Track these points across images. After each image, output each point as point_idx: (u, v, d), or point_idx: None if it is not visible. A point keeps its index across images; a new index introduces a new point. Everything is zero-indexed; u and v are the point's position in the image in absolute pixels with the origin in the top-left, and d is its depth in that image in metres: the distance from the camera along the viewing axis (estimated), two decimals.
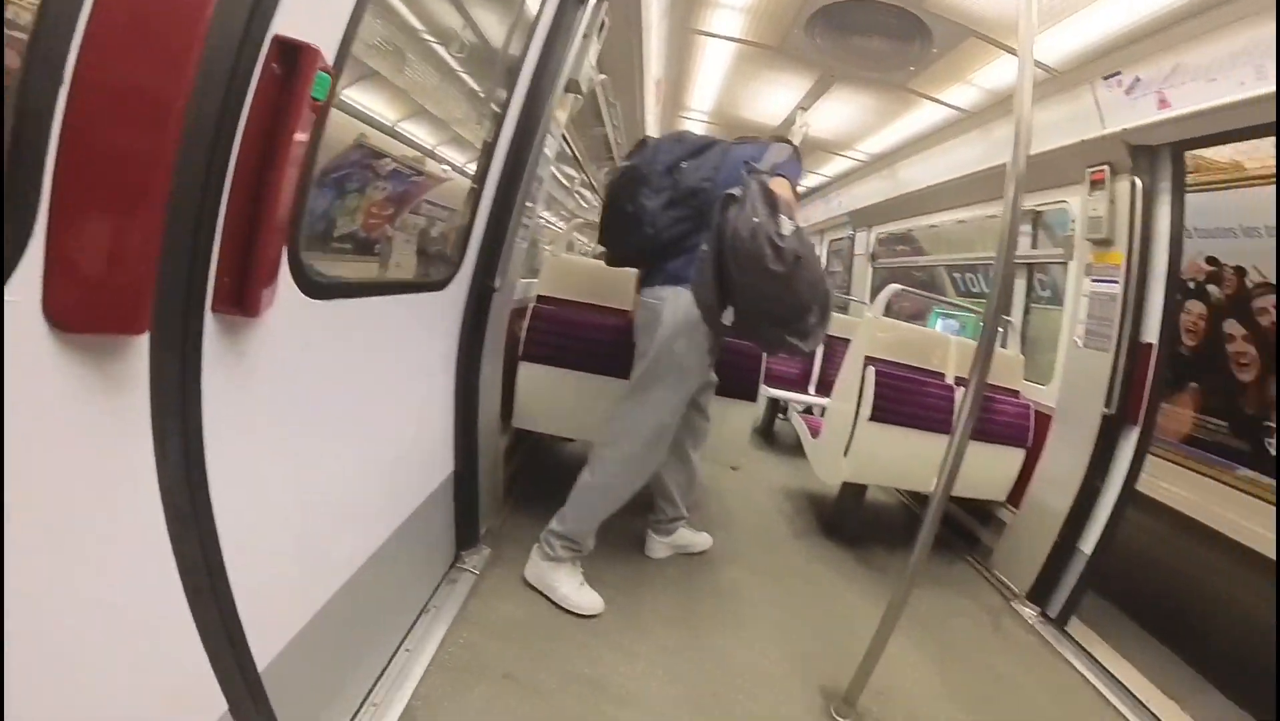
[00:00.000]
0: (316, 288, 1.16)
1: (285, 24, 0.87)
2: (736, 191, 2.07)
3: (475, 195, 2.03)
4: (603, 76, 3.27)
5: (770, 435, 5.80)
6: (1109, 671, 2.84)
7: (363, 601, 1.55)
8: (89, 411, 0.73)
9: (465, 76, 1.91)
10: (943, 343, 3.72)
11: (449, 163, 1.98)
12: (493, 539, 2.56)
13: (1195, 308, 4.69)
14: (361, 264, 1.67)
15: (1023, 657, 2.84)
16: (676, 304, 2.24)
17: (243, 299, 0.91)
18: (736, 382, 2.96)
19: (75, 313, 0.66)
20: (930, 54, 3.50)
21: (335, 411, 1.35)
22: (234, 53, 0.80)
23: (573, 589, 2.26)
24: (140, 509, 0.82)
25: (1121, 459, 3.27)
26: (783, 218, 2.01)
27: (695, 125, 5.98)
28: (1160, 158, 3.16)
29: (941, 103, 4.09)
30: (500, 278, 2.13)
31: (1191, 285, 4.65)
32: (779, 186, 2.08)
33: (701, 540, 2.92)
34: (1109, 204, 3.22)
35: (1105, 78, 3.10)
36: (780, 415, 5.91)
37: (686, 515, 2.81)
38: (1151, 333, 3.27)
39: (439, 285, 1.90)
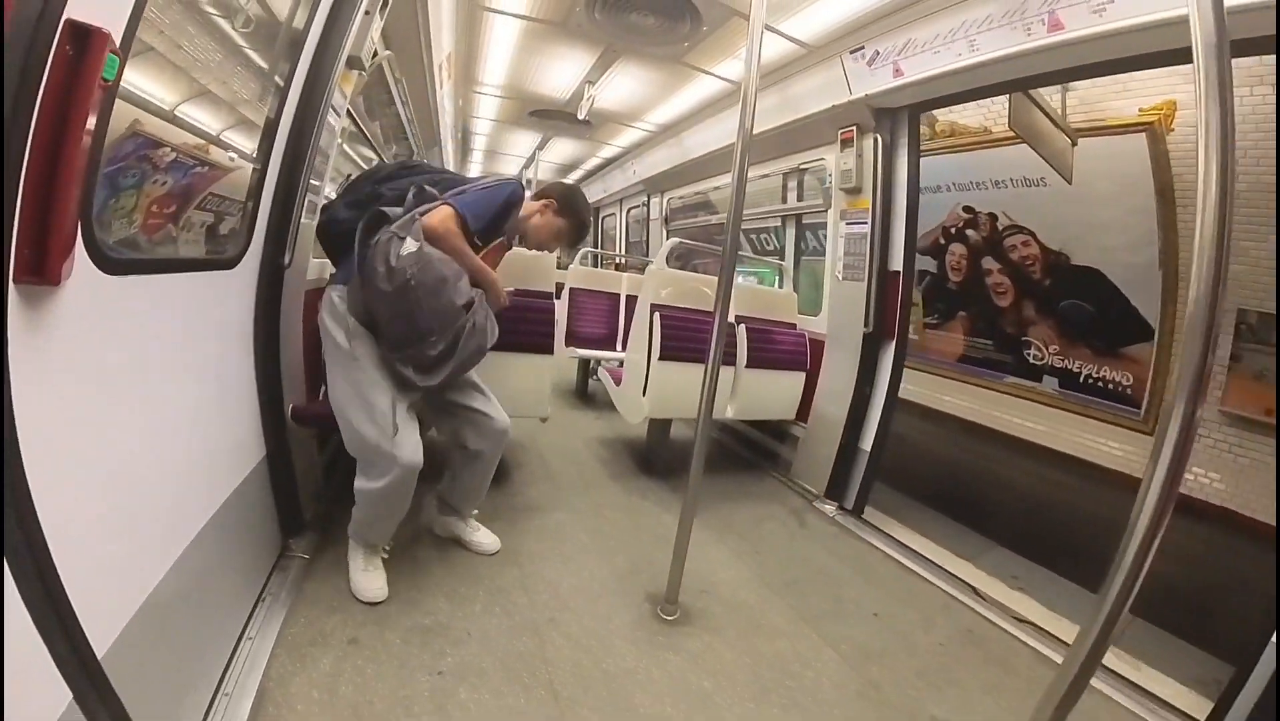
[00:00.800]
0: (111, 263, 1.14)
1: (77, 7, 0.89)
2: (390, 210, 2.09)
3: (261, 173, 1.98)
4: (388, 53, 3.22)
5: (585, 394, 6.10)
6: (905, 545, 3.39)
7: (193, 589, 1.54)
8: None
9: (251, 53, 1.86)
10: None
11: (235, 150, 1.91)
12: (321, 523, 2.54)
13: (958, 249, 5.54)
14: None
15: (826, 544, 3.32)
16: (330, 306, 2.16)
17: (42, 268, 0.91)
18: (531, 337, 3.11)
19: None
20: (701, 31, 3.81)
21: (139, 391, 1.32)
22: (29, 36, 0.82)
23: (356, 571, 2.20)
24: None
25: (884, 369, 3.79)
26: (408, 239, 1.97)
27: (489, 100, 6.04)
28: (898, 118, 3.69)
29: (714, 75, 4.48)
30: (290, 254, 2.10)
31: (953, 231, 5.46)
32: (432, 214, 2.07)
33: (481, 540, 2.63)
34: (857, 158, 3.75)
35: (851, 51, 3.56)
36: (593, 376, 6.20)
37: (462, 516, 2.64)
38: (897, 262, 3.73)
39: (230, 263, 1.85)
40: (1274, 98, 3.42)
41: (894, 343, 3.75)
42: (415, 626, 2.07)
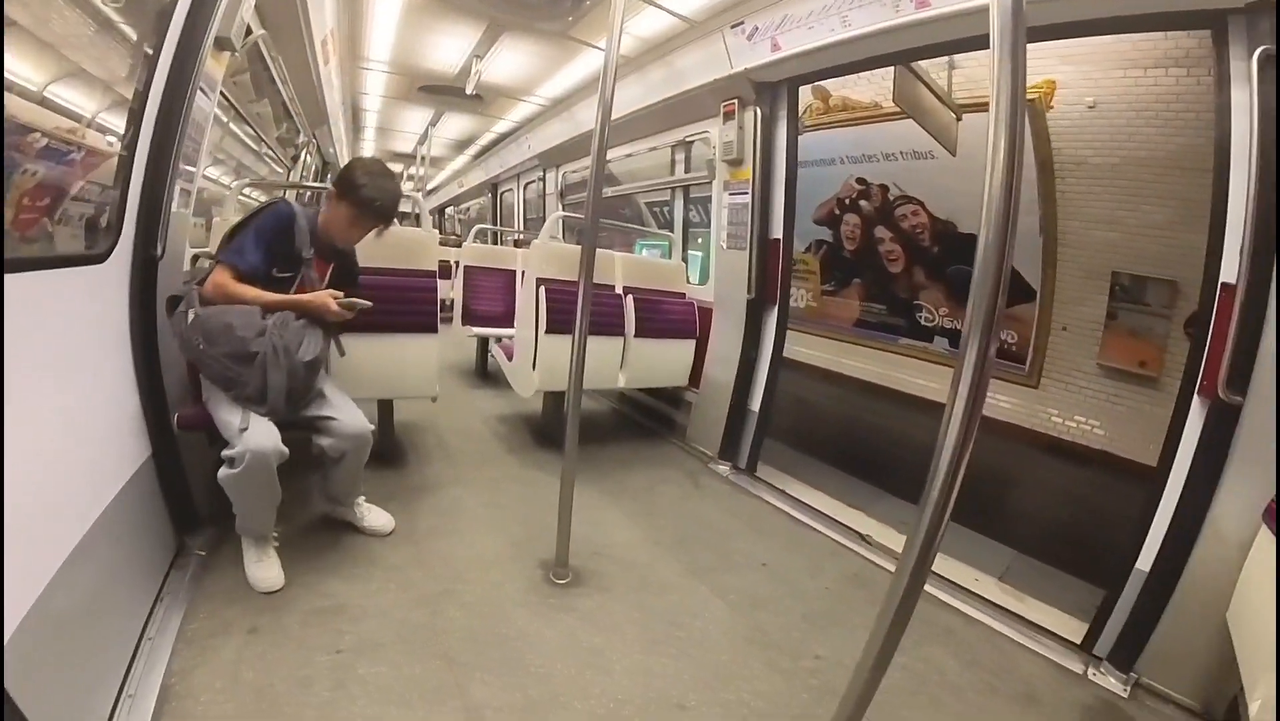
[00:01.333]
0: None
1: None
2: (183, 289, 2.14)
3: (127, 161, 1.90)
4: (263, 32, 3.10)
5: (485, 373, 6.10)
6: (797, 499, 3.59)
7: (86, 594, 1.52)
8: None
9: (126, 28, 1.77)
10: (610, 259, 4.24)
11: (114, 133, 1.83)
12: (218, 518, 2.47)
13: (851, 219, 5.80)
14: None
15: (719, 502, 3.49)
16: None
17: None
18: (412, 318, 3.09)
19: None
20: (584, 5, 3.86)
21: (16, 388, 1.29)
22: None
23: (251, 564, 2.20)
24: None
25: (768, 332, 3.97)
26: (190, 311, 2.05)
27: (376, 76, 5.92)
28: (778, 91, 3.83)
29: (600, 49, 4.44)
30: (162, 245, 2.05)
31: (847, 202, 5.71)
32: (207, 280, 2.13)
33: (374, 521, 2.65)
34: (739, 130, 3.88)
35: (732, 26, 3.66)
36: (491, 354, 6.19)
37: (341, 504, 2.64)
38: (778, 230, 3.90)
39: (99, 258, 1.78)
40: (1146, 82, 3.78)
41: (776, 307, 3.94)
42: (313, 609, 2.09)
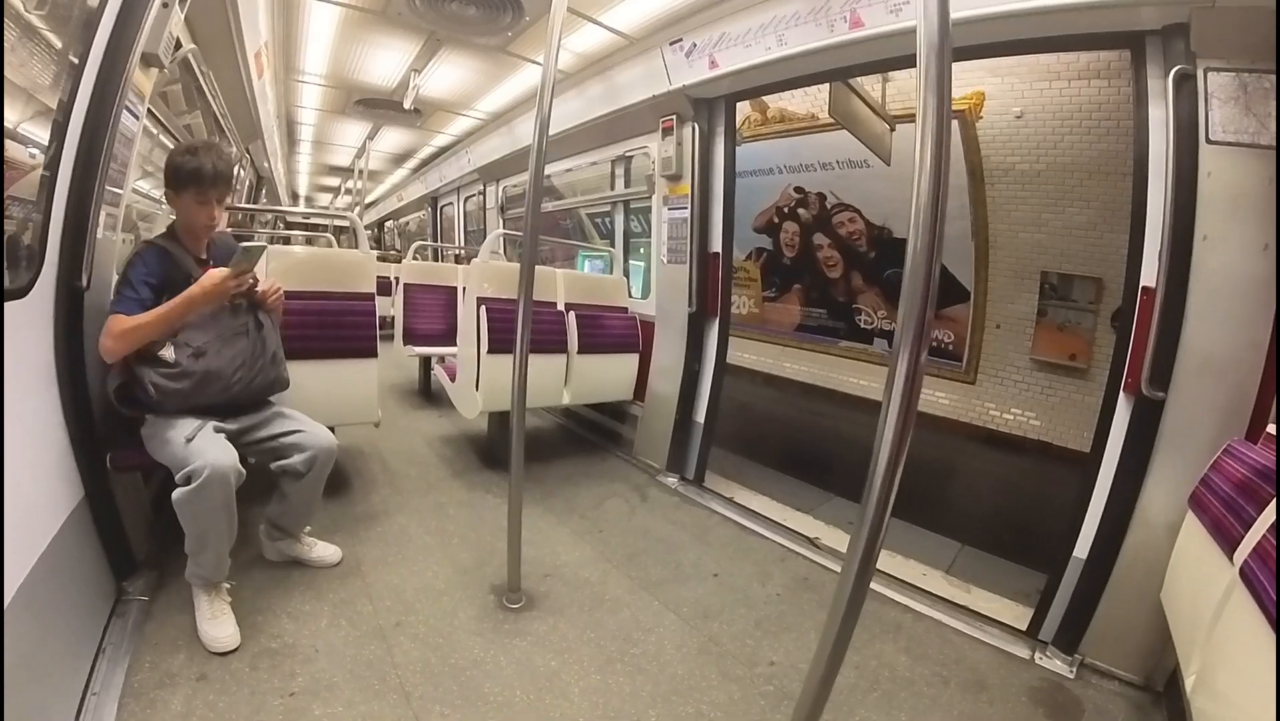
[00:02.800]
0: None
1: None
2: None
3: (49, 182, 1.80)
4: (193, 47, 3.00)
5: (429, 393, 5.98)
6: (744, 506, 3.64)
7: (24, 649, 1.44)
8: None
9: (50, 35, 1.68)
10: (551, 275, 4.23)
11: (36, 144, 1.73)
12: (156, 560, 2.40)
13: (790, 227, 5.94)
14: None
15: (668, 515, 3.51)
16: None
17: None
18: (349, 341, 3.06)
19: None
20: (523, 21, 3.85)
21: None
22: None
23: (203, 620, 2.07)
24: None
25: (710, 344, 4.03)
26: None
27: (311, 90, 5.81)
28: (715, 107, 3.90)
29: (539, 64, 4.46)
30: (87, 275, 1.93)
31: (786, 210, 5.84)
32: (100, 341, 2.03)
33: (320, 554, 2.61)
34: (677, 146, 3.93)
35: (670, 43, 3.72)
36: (433, 374, 6.12)
37: (287, 535, 2.57)
38: (717, 244, 3.96)
39: (20, 292, 1.69)
40: (1070, 93, 3.98)
41: (718, 319, 4.00)
42: (262, 651, 2.03)
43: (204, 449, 1.99)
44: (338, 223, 11.29)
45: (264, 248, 2.32)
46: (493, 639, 2.24)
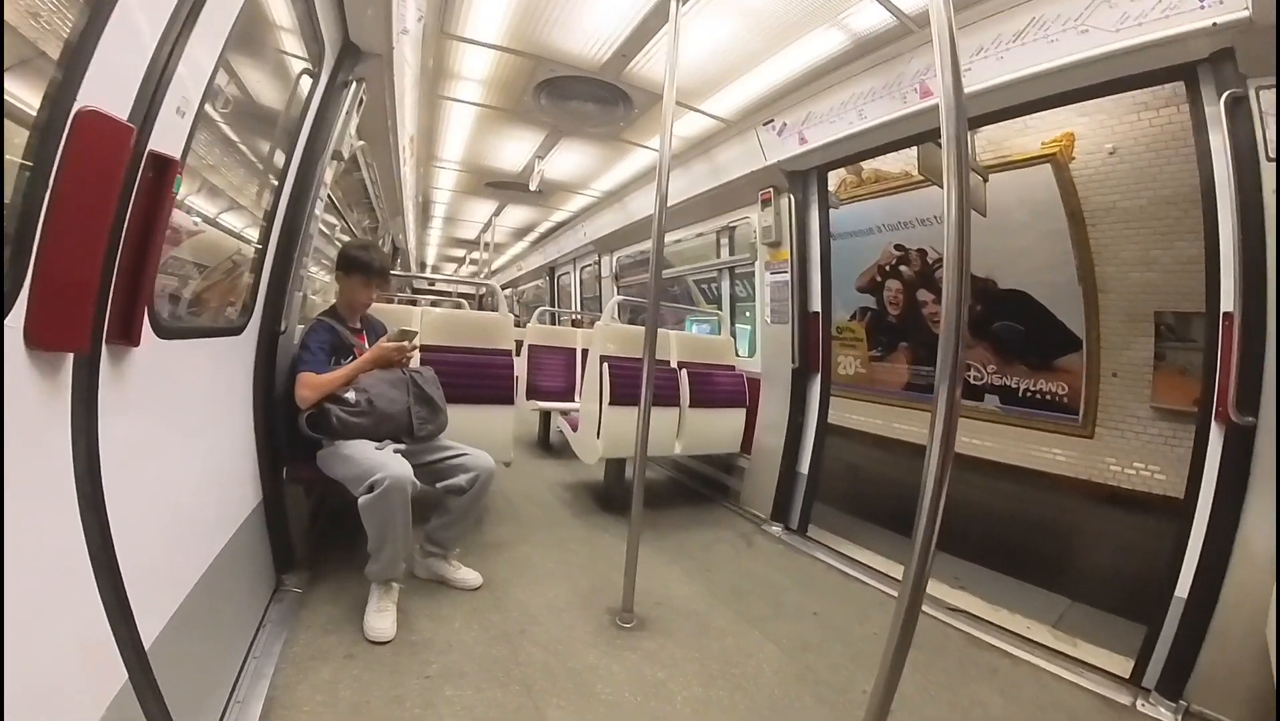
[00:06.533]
0: (163, 329, 1.46)
1: (157, 142, 1.23)
2: None
3: (261, 253, 2.34)
4: (362, 143, 3.60)
5: (547, 445, 6.44)
6: (847, 556, 3.75)
7: (211, 608, 1.79)
8: (37, 411, 1.00)
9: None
10: (665, 336, 4.54)
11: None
12: (309, 561, 2.83)
13: (893, 285, 5.91)
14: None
15: (772, 560, 3.67)
16: None
17: (129, 333, 1.24)
18: (492, 390, 3.50)
19: (45, 334, 0.97)
20: (633, 113, 4.34)
21: (174, 432, 1.61)
22: (126, 166, 1.13)
23: (371, 611, 2.44)
24: (60, 491, 1.06)
25: (813, 399, 4.27)
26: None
27: (448, 173, 6.50)
28: (808, 178, 4.22)
29: (648, 148, 5.02)
30: (285, 321, 2.46)
31: (888, 268, 5.86)
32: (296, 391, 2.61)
33: (464, 576, 2.89)
34: (775, 215, 4.27)
35: (764, 124, 4.13)
36: (556, 427, 6.49)
37: (440, 552, 2.90)
38: (816, 304, 4.25)
39: (238, 330, 2.17)
40: (1160, 122, 3.92)
41: (819, 375, 4.23)
42: (403, 642, 2.35)
43: (385, 462, 2.43)
44: (460, 289, 12.14)
45: (416, 332, 2.97)
46: (607, 650, 2.46)
